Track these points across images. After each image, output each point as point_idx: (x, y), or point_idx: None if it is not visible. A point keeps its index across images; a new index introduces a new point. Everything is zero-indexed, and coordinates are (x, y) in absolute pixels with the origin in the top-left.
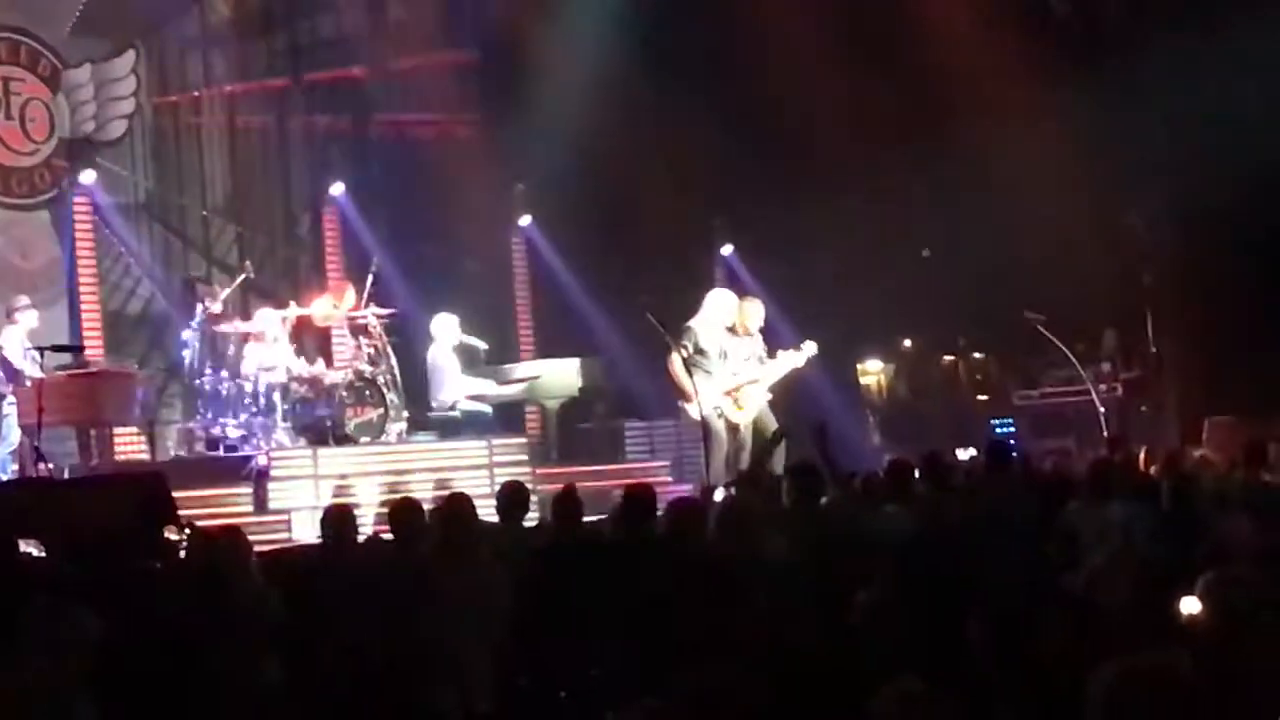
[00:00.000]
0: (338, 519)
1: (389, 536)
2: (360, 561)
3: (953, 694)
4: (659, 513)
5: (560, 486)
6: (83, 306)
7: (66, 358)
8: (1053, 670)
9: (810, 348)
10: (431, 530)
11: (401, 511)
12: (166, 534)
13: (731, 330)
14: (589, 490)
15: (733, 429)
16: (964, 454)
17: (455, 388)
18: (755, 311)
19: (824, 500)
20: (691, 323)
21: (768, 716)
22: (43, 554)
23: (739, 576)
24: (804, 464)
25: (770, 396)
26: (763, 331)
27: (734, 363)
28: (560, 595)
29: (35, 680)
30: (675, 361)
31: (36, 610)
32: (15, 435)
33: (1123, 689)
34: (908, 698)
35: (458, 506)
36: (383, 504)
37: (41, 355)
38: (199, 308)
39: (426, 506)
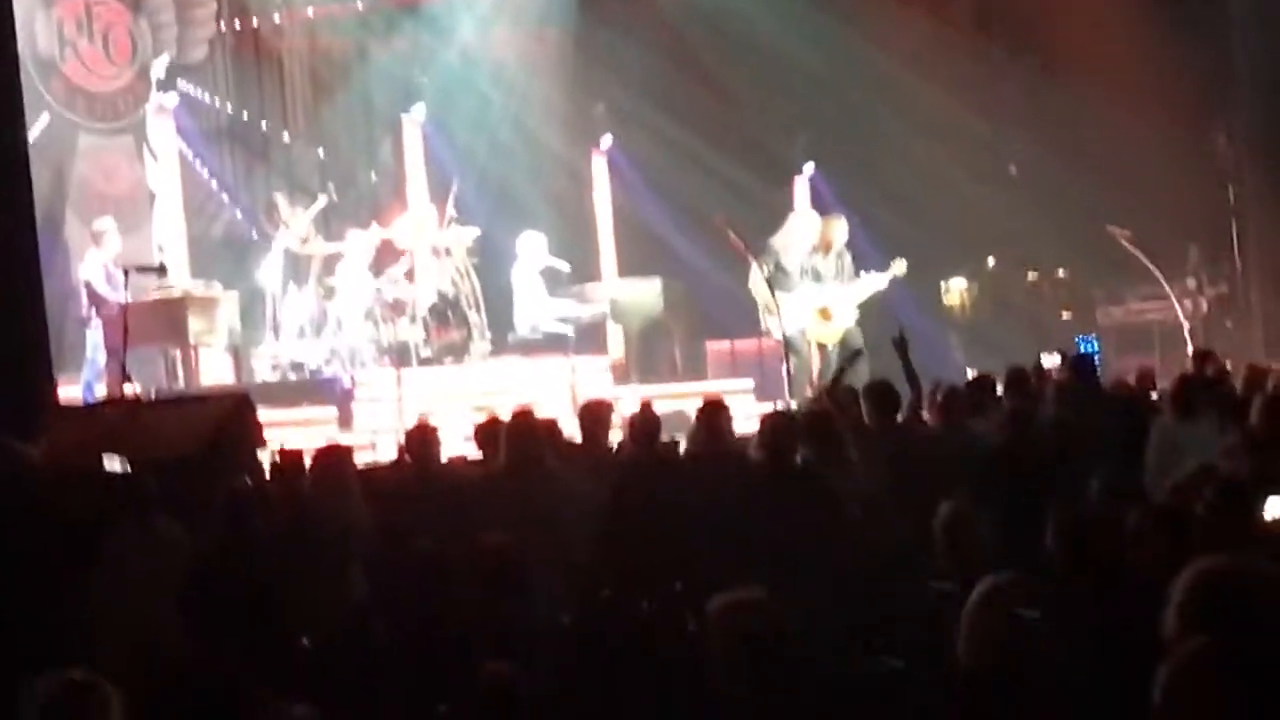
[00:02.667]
0: (421, 438)
1: (473, 455)
2: (443, 478)
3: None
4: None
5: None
6: (166, 230)
7: (151, 281)
8: (1134, 578)
9: (900, 265)
10: (513, 447)
11: (485, 429)
12: (253, 454)
13: (816, 249)
14: (670, 410)
15: (818, 347)
16: (1049, 360)
17: (538, 308)
18: (839, 229)
19: (903, 415)
20: (773, 240)
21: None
22: (127, 471)
23: (827, 488)
24: (882, 381)
25: (856, 314)
26: (850, 252)
27: (820, 281)
28: (643, 509)
29: (130, 590)
30: (756, 277)
31: (126, 524)
32: (101, 358)
33: (1207, 587)
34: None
35: (538, 424)
36: (465, 424)
37: (126, 278)
38: (281, 230)
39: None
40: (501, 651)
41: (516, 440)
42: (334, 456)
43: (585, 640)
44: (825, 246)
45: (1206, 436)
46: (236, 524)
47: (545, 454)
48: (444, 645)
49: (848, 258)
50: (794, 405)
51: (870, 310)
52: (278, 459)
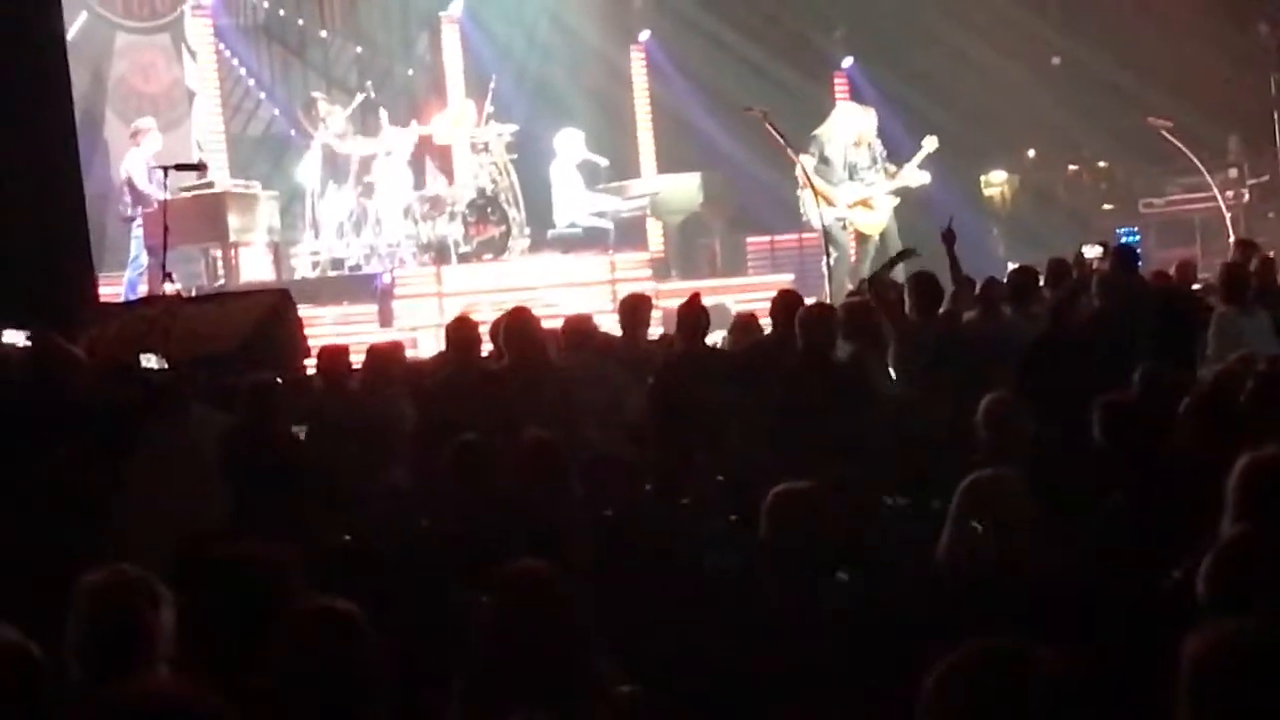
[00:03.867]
0: (461, 331)
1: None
2: (483, 369)
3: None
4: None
5: (683, 299)
6: (205, 129)
7: (191, 178)
8: (1178, 464)
9: (931, 142)
10: (511, 346)
11: (510, 325)
12: (294, 350)
13: (855, 144)
14: (711, 304)
15: (860, 239)
16: (1091, 251)
17: (578, 203)
18: (868, 120)
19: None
20: (817, 131)
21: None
22: (166, 366)
23: (868, 381)
24: (926, 273)
25: (896, 202)
26: (883, 139)
27: (858, 174)
28: (685, 404)
29: (172, 476)
30: (805, 166)
31: (166, 414)
32: (144, 257)
33: (1260, 476)
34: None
35: (532, 321)
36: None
37: (166, 176)
38: (320, 128)
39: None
40: (541, 546)
41: (513, 338)
42: (385, 354)
43: (626, 537)
44: (860, 140)
45: (1265, 326)
46: (260, 412)
47: (543, 351)
48: (485, 538)
49: (879, 147)
50: (832, 299)
51: (912, 203)
52: (321, 355)
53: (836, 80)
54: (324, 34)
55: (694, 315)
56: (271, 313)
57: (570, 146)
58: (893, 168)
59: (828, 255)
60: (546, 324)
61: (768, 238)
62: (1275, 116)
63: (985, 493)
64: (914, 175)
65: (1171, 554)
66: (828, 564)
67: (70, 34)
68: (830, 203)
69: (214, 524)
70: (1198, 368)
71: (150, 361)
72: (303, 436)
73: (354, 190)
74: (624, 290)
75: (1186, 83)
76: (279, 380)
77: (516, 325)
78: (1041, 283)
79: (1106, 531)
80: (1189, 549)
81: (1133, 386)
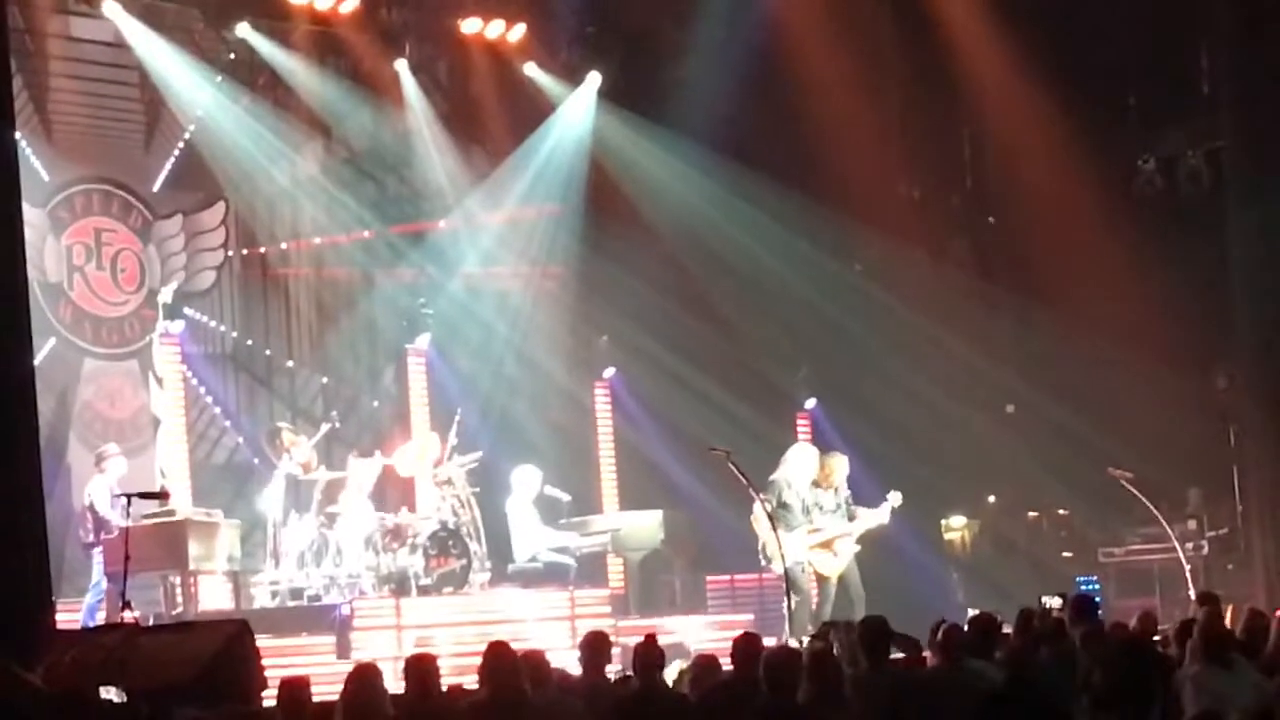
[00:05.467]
0: (420, 667)
1: (471, 685)
2: (443, 710)
3: None
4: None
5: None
6: (169, 456)
7: (153, 505)
8: None
9: (895, 498)
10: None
11: (490, 659)
12: (251, 682)
13: (816, 484)
14: (670, 643)
15: (820, 580)
16: (1052, 601)
17: (536, 539)
18: (840, 466)
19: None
20: (775, 476)
21: None
22: (124, 699)
23: None
24: (873, 619)
25: (857, 548)
26: (849, 487)
27: (820, 516)
28: None
29: None
30: (759, 512)
31: None
32: (104, 582)
33: None
34: None
35: (515, 656)
36: (464, 654)
37: (129, 503)
38: (284, 457)
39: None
40: None
41: (495, 672)
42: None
43: None
44: (826, 481)
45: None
46: None
47: (524, 684)
48: None
49: (847, 493)
50: (793, 642)
51: (872, 545)
52: (282, 687)
53: (799, 421)
54: (291, 364)
55: (649, 654)
56: (230, 643)
57: (526, 483)
58: (856, 510)
59: (788, 598)
60: None
61: (728, 576)
62: (1234, 469)
63: None
64: (875, 518)
65: None
66: None
67: (38, 359)
68: (781, 551)
69: None
70: None
71: (110, 694)
72: None
73: (316, 520)
74: (584, 627)
75: (1146, 434)
76: (238, 714)
77: (495, 659)
78: (1006, 630)
79: None
80: None
81: None
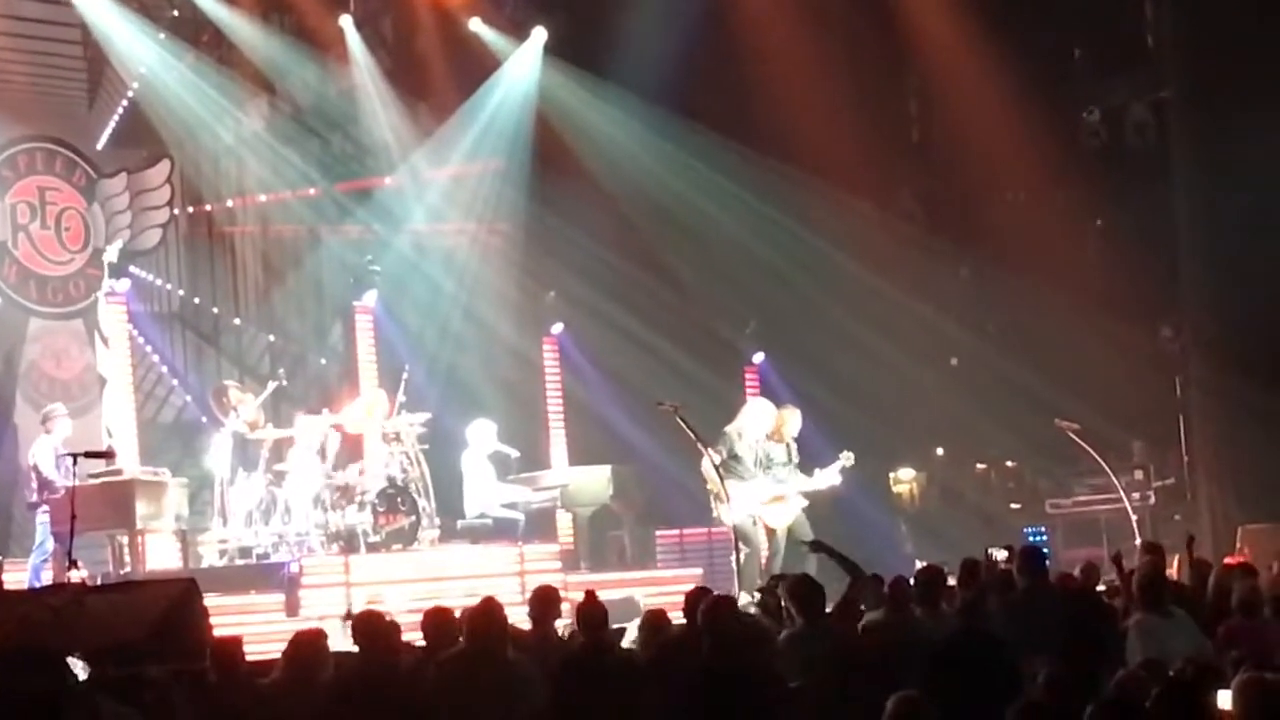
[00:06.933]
0: (369, 625)
1: (420, 643)
2: (391, 667)
3: None
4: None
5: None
6: (116, 415)
7: (99, 465)
8: None
9: (847, 458)
10: (462, 636)
11: (433, 618)
12: (200, 641)
13: (770, 436)
14: (619, 597)
15: (769, 533)
16: (999, 553)
17: (489, 494)
18: (793, 419)
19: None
20: (728, 428)
21: None
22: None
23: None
24: (799, 577)
25: (806, 503)
26: (797, 440)
27: (774, 469)
28: (588, 702)
29: None
30: (707, 465)
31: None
32: (50, 543)
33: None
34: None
35: (489, 611)
36: (414, 611)
37: (74, 463)
38: (231, 415)
39: (457, 613)
40: None
41: (479, 629)
42: (309, 643)
43: None
44: (778, 435)
45: (1153, 628)
46: (180, 708)
47: (507, 644)
48: None
49: (795, 447)
50: (743, 597)
51: (821, 497)
52: (213, 647)
53: (748, 375)
54: (237, 321)
55: (591, 611)
56: (179, 602)
57: (483, 437)
58: (805, 471)
59: (737, 551)
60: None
61: (677, 531)
62: (1180, 420)
63: None
64: (827, 479)
65: None
66: None
67: None
68: (729, 502)
69: None
70: (1101, 672)
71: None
72: None
73: (264, 478)
74: (533, 582)
75: (1092, 385)
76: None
77: (482, 615)
78: (951, 582)
79: None
80: None
81: (1036, 689)
